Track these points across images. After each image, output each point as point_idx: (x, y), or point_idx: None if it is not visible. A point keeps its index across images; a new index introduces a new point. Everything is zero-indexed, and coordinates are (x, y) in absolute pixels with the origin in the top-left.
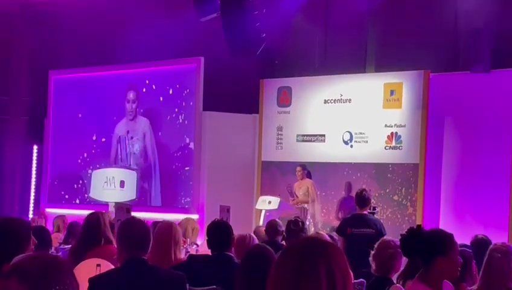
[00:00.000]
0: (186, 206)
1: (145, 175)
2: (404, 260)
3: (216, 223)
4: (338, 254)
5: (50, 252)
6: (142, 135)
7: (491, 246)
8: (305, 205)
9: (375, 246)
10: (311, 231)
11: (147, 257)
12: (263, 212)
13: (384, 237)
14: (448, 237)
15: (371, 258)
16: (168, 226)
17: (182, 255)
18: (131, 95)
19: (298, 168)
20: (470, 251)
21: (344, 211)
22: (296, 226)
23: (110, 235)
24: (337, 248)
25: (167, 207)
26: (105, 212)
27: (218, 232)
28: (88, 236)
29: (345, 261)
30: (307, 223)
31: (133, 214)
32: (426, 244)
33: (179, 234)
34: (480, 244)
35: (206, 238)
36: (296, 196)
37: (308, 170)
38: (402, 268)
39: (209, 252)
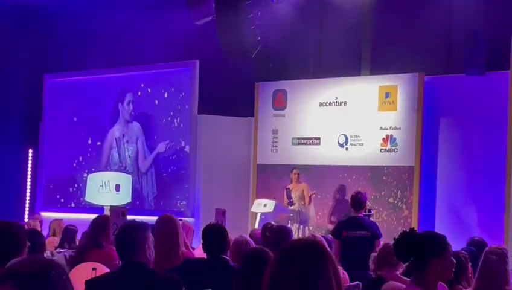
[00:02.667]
0: (182, 209)
1: (140, 178)
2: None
3: (211, 226)
4: (332, 255)
5: (45, 256)
6: (135, 138)
7: (486, 248)
8: (301, 208)
9: (378, 249)
10: (306, 233)
11: (153, 254)
12: (259, 215)
13: (389, 243)
14: (442, 239)
15: (371, 260)
16: (169, 220)
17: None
18: (129, 97)
19: (295, 170)
20: (466, 253)
21: (337, 215)
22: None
23: (99, 239)
24: (329, 250)
25: (162, 210)
26: (104, 215)
27: (214, 235)
28: (87, 239)
29: (336, 261)
30: (301, 226)
31: (129, 217)
32: (421, 247)
33: (180, 227)
34: (476, 247)
35: (202, 241)
36: (292, 199)
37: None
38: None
39: (204, 255)
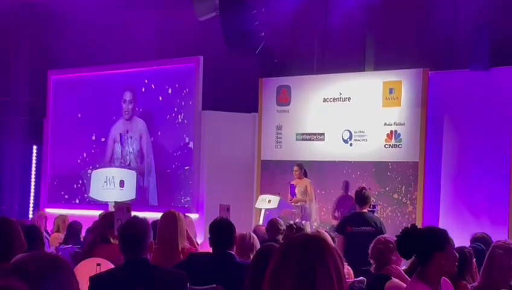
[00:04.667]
0: (186, 205)
1: (144, 175)
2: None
3: (219, 221)
4: (334, 249)
5: (50, 252)
6: (139, 135)
7: (493, 243)
8: (304, 204)
9: (370, 248)
10: (307, 230)
11: (153, 251)
12: (263, 211)
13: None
14: (443, 233)
15: (370, 259)
16: (171, 216)
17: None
18: (127, 95)
19: (295, 168)
20: (471, 248)
21: (341, 210)
22: (290, 231)
23: (107, 235)
24: (331, 244)
25: (167, 206)
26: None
27: (222, 230)
28: (96, 234)
29: (340, 256)
30: (303, 221)
31: (133, 213)
32: (423, 242)
33: (183, 223)
34: (482, 243)
35: (209, 236)
36: (295, 195)
37: (304, 169)
38: (404, 267)
39: (207, 250)
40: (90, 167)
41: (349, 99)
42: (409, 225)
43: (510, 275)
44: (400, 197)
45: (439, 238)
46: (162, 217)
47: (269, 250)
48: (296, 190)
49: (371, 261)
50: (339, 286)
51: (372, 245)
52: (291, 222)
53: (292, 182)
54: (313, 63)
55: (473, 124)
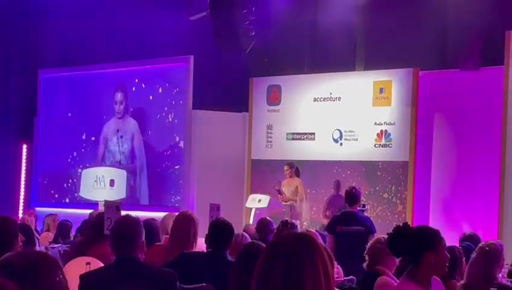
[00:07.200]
0: (176, 204)
1: (135, 174)
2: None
3: (221, 222)
4: (323, 248)
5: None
6: (130, 135)
7: (481, 243)
8: (294, 203)
9: (368, 246)
10: (298, 229)
11: (145, 251)
12: (253, 210)
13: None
14: (435, 232)
15: (365, 255)
16: (187, 218)
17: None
18: (118, 96)
19: (286, 167)
20: (460, 248)
21: (332, 209)
22: (284, 227)
23: (100, 235)
24: (321, 243)
25: (157, 206)
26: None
27: (222, 231)
28: (91, 232)
29: (330, 255)
30: (293, 220)
31: (124, 212)
32: (414, 241)
33: (196, 227)
34: (471, 241)
35: (207, 234)
36: (283, 194)
37: (296, 167)
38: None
39: (198, 249)
40: (81, 166)
41: (339, 98)
42: (401, 224)
43: (495, 274)
44: (390, 197)
45: (431, 237)
46: (177, 218)
47: (255, 249)
48: (283, 189)
49: (366, 257)
50: (326, 285)
51: (372, 244)
52: (285, 219)
53: (281, 181)
54: (304, 63)
55: (463, 123)
